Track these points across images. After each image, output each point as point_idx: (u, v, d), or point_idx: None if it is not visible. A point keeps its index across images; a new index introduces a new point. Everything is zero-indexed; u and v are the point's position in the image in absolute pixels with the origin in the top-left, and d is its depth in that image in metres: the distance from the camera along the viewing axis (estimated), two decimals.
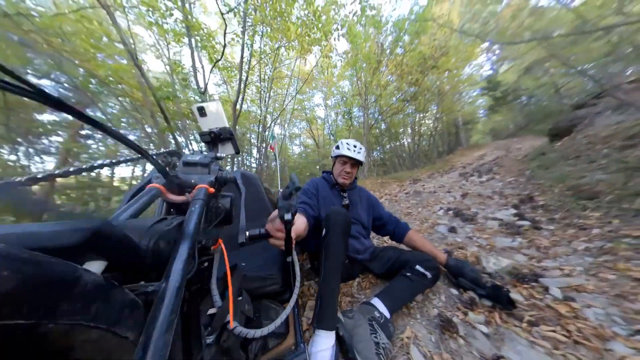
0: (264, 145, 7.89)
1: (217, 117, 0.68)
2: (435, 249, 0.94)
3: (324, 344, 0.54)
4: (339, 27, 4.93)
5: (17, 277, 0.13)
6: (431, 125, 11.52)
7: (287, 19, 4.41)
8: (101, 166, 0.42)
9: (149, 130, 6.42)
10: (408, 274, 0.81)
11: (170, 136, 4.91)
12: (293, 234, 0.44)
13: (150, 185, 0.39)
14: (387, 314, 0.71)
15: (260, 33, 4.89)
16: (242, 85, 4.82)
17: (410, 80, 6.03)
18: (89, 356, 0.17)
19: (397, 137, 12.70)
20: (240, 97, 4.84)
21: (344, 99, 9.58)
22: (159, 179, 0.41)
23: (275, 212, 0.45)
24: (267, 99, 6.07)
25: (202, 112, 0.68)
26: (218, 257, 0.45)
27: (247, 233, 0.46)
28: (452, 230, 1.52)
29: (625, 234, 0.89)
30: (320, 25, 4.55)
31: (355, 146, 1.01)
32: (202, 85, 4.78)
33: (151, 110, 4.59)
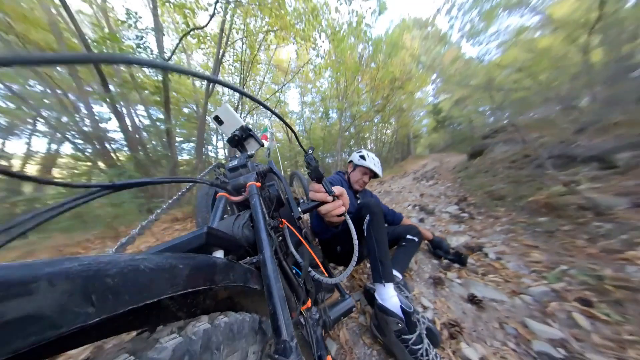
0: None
1: (232, 119, 0.68)
2: (424, 229, 1.23)
3: (392, 291, 0.68)
4: (326, 30, 4.90)
5: (185, 268, 0.19)
6: (390, 135, 13.23)
7: (281, 3, 4.04)
8: (160, 182, 0.38)
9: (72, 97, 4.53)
10: (404, 244, 1.04)
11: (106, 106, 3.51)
12: (336, 192, 0.47)
13: (219, 194, 0.49)
14: (400, 276, 0.93)
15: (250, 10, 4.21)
16: (219, 60, 4.09)
17: (382, 95, 6.80)
18: (246, 301, 0.28)
19: (364, 142, 13.91)
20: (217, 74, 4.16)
21: (321, 99, 9.70)
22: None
23: (314, 183, 0.49)
24: (243, 82, 5.25)
25: (218, 120, 0.68)
26: (287, 232, 0.52)
27: (300, 208, 0.49)
28: (421, 221, 1.94)
29: (519, 221, 1.44)
30: (314, 23, 4.44)
31: (378, 162, 1.19)
32: (162, 50, 3.71)
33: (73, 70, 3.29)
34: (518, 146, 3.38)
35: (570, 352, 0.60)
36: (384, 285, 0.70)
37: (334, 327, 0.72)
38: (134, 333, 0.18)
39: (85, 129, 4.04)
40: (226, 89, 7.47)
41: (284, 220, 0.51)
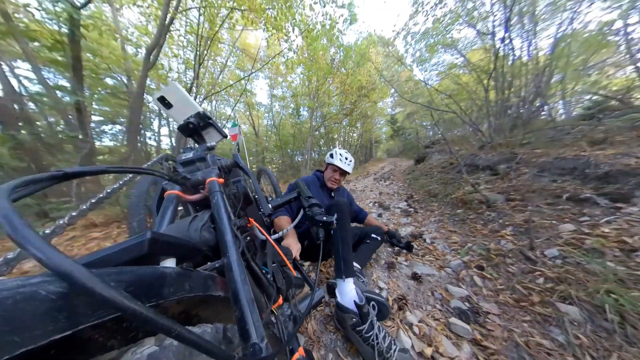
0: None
1: (184, 103, 0.57)
2: (382, 224, 1.42)
3: (351, 285, 0.75)
4: (299, 25, 4.76)
5: (120, 284, 0.17)
6: (356, 138, 14.37)
7: None
8: (106, 172, 0.27)
9: None
10: (368, 241, 1.18)
11: None
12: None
13: (168, 193, 0.40)
14: (359, 266, 1.03)
15: None
16: (166, 27, 3.11)
17: (350, 100, 7.29)
18: (206, 312, 0.26)
19: (333, 143, 14.53)
20: (160, 42, 3.11)
21: (292, 95, 9.49)
22: (168, 184, 0.41)
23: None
24: (197, 63, 4.29)
25: (165, 103, 0.56)
26: (256, 231, 0.50)
27: (270, 205, 0.49)
28: (380, 215, 2.23)
29: (446, 213, 1.87)
30: (287, 13, 4.21)
31: (347, 158, 1.24)
32: None
33: None
34: (447, 155, 4.35)
35: (471, 304, 0.85)
36: (344, 281, 0.76)
37: (304, 319, 0.75)
38: None
39: None
40: (174, 64, 6.13)
41: (251, 220, 0.48)
